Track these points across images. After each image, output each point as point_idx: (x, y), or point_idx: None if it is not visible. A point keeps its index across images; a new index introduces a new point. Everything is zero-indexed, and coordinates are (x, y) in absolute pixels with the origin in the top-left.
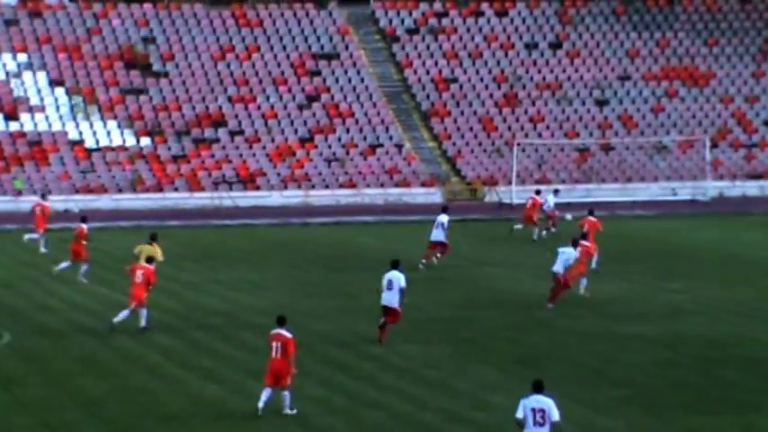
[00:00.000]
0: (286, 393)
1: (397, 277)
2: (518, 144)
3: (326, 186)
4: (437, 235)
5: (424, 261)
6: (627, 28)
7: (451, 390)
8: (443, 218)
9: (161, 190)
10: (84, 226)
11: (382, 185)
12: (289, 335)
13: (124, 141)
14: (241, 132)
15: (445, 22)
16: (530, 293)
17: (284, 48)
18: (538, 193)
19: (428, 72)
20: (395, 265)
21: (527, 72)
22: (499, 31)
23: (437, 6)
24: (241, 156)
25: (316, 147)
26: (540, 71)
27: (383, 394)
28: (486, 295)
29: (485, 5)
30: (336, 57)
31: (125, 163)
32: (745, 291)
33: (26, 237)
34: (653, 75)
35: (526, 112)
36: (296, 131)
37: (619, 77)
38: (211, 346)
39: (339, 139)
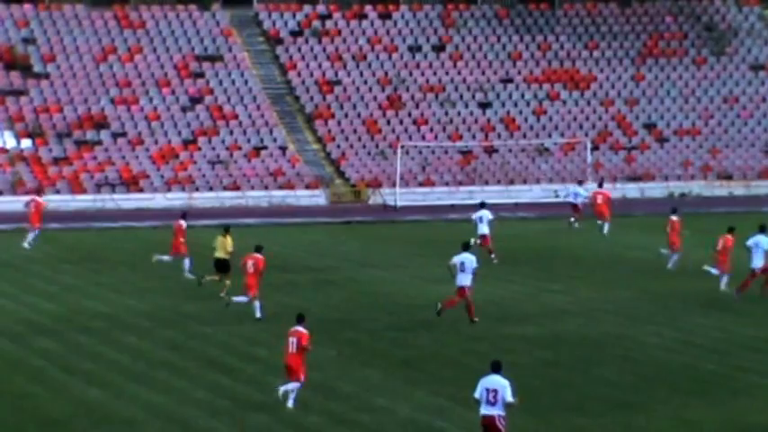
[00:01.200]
0: (296, 386)
1: (470, 259)
2: (402, 146)
3: (210, 189)
4: (482, 228)
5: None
6: (509, 31)
7: (336, 392)
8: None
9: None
10: (183, 222)
11: (266, 188)
12: (305, 331)
13: (4, 143)
14: (124, 134)
15: (329, 24)
16: (414, 295)
17: (167, 49)
18: (600, 185)
19: (312, 74)
20: (466, 248)
21: (411, 75)
22: (383, 33)
23: (321, 9)
24: (124, 158)
25: (199, 149)
26: (423, 74)
27: (267, 396)
28: (371, 297)
29: (368, 8)
30: (220, 59)
31: (5, 165)
32: (625, 292)
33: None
34: (535, 78)
35: (410, 114)
36: (179, 133)
37: (501, 80)
38: (93, 349)
39: (223, 142)
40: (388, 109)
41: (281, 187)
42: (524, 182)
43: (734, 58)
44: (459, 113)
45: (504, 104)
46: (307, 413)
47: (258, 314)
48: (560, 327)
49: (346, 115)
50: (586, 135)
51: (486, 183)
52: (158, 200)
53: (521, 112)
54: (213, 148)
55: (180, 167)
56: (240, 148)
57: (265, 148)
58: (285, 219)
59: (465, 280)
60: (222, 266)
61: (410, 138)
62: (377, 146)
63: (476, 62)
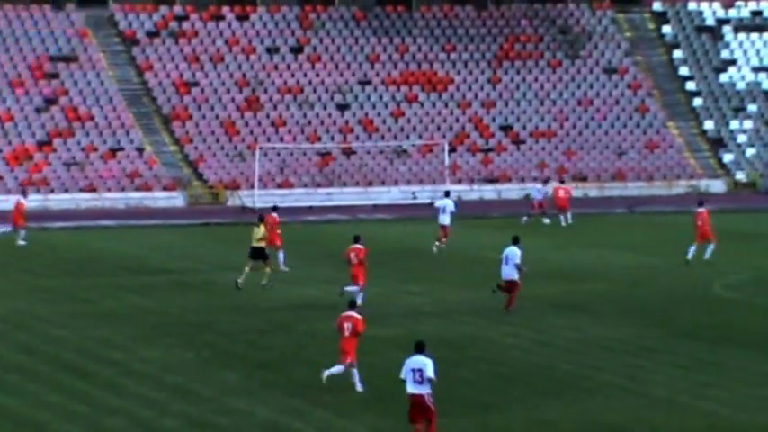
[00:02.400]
0: (354, 371)
1: (514, 252)
2: (260, 148)
3: (66, 191)
4: (443, 219)
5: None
6: (367, 33)
7: (193, 394)
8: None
9: None
10: (276, 215)
11: (123, 189)
12: (359, 316)
13: None
14: None
15: (186, 25)
16: (272, 297)
17: (21, 50)
18: (562, 182)
19: (169, 76)
20: (515, 241)
21: (268, 76)
22: (240, 34)
23: (177, 10)
24: None
25: (54, 150)
26: (281, 75)
27: (123, 400)
28: (228, 299)
29: (225, 9)
30: (75, 59)
31: None
32: (482, 293)
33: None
34: (393, 80)
35: (268, 116)
36: (34, 135)
37: (359, 82)
38: None
39: (78, 143)
40: (245, 110)
41: (138, 189)
42: (383, 183)
43: (588, 61)
44: (317, 115)
45: (362, 106)
46: (163, 416)
47: (359, 301)
48: (419, 327)
49: (204, 117)
50: (444, 137)
51: (345, 184)
52: (12, 202)
53: (379, 114)
54: (69, 150)
55: (35, 169)
56: (96, 150)
57: (122, 149)
58: (142, 221)
59: (510, 272)
60: (259, 254)
61: (268, 139)
62: (235, 147)
63: (334, 64)
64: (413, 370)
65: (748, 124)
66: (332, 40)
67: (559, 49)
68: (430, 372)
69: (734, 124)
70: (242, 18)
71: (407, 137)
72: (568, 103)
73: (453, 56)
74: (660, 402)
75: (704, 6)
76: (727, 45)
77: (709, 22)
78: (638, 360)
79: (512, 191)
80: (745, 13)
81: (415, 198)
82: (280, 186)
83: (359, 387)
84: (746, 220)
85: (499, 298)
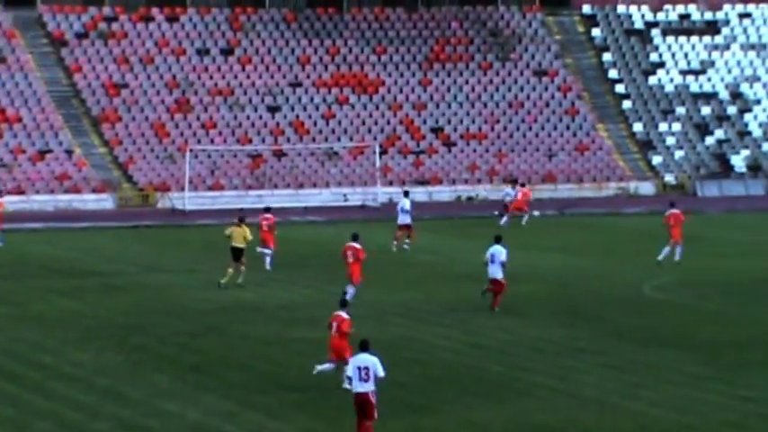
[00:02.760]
0: (332, 368)
1: (499, 251)
2: (191, 150)
3: None
4: (403, 218)
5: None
6: (297, 35)
7: (123, 397)
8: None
9: None
10: (270, 215)
11: (52, 192)
12: (347, 316)
13: None
14: None
15: (115, 26)
16: (203, 299)
17: None
18: (523, 185)
19: (98, 77)
20: (497, 240)
21: (199, 78)
22: (170, 36)
23: (107, 11)
24: None
25: None
26: (212, 77)
27: (53, 403)
28: (159, 302)
29: (155, 11)
30: (2, 61)
31: None
32: (414, 294)
33: None
34: (323, 82)
35: (198, 118)
36: None
37: (290, 84)
38: None
39: (7, 145)
40: (176, 112)
41: (67, 191)
42: (314, 186)
43: (518, 63)
44: (248, 117)
45: (293, 108)
46: (93, 419)
47: (348, 297)
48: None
49: (134, 118)
50: (375, 139)
51: (276, 186)
52: None
53: (310, 116)
54: None
55: None
56: (24, 152)
57: (51, 151)
58: (72, 223)
59: (495, 271)
60: (237, 255)
61: (199, 141)
62: (165, 149)
63: (264, 66)
64: (359, 368)
65: (677, 126)
66: (262, 42)
67: (490, 51)
68: (380, 371)
69: (662, 126)
70: (172, 19)
71: (338, 139)
72: (499, 105)
73: (384, 58)
74: (591, 403)
75: (633, 9)
76: (655, 48)
77: (638, 25)
78: (568, 361)
79: (443, 193)
80: (673, 16)
81: (346, 200)
82: (210, 188)
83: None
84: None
85: (484, 299)
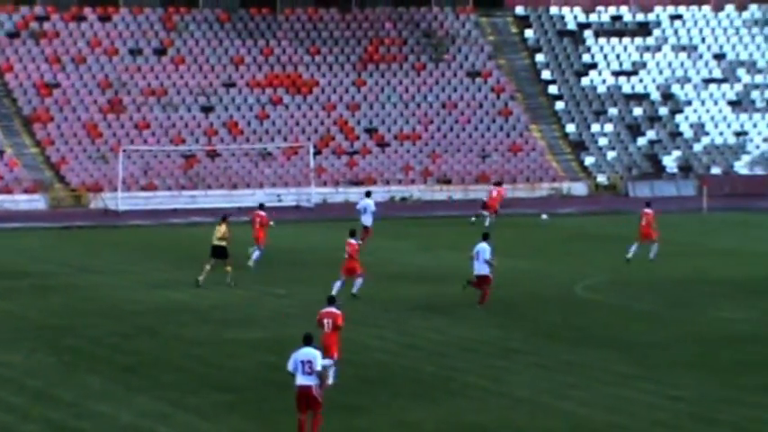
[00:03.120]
0: (331, 364)
1: (484, 249)
2: (123, 150)
3: None
4: (365, 219)
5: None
6: (231, 35)
7: (55, 399)
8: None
9: None
10: (264, 213)
11: None
12: (339, 312)
13: None
14: None
15: (47, 26)
16: (136, 300)
17: None
18: (498, 184)
19: (30, 77)
20: (485, 237)
21: (132, 78)
22: (103, 36)
23: (38, 10)
24: None
25: None
26: (144, 77)
27: None
28: (92, 303)
29: (87, 10)
30: None
31: None
32: (346, 294)
33: None
34: (257, 82)
35: (131, 118)
36: None
37: (224, 84)
38: None
39: None
40: (108, 112)
41: None
42: (248, 186)
43: (452, 64)
44: (181, 117)
45: (226, 109)
46: (24, 421)
47: (355, 290)
48: (285, 330)
49: (66, 118)
50: (309, 139)
51: (210, 187)
52: None
53: (244, 117)
54: None
55: None
56: None
57: None
58: (3, 224)
59: (480, 268)
60: (220, 253)
61: (132, 142)
62: (97, 149)
63: (198, 66)
64: (302, 362)
65: (609, 127)
66: (196, 42)
67: (423, 52)
68: (319, 364)
69: (595, 127)
70: (104, 19)
71: (272, 139)
72: (433, 106)
73: (318, 58)
74: (523, 403)
75: (566, 11)
76: (588, 49)
77: (571, 26)
78: (501, 361)
79: (377, 193)
80: (605, 17)
81: (280, 201)
82: (143, 189)
83: (330, 380)
84: (607, 223)
85: (469, 296)
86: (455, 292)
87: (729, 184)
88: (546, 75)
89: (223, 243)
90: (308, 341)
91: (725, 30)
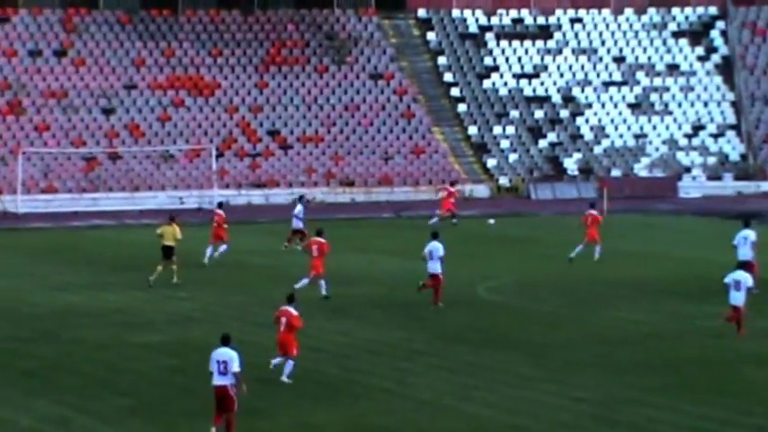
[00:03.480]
0: (290, 362)
1: (437, 247)
2: (23, 153)
3: None
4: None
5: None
6: (132, 37)
7: None
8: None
9: None
10: (222, 212)
11: None
12: (295, 312)
13: None
14: None
15: None
16: (37, 304)
17: None
18: (452, 184)
19: None
20: (434, 236)
21: (31, 80)
22: (1, 37)
23: None
24: None
25: None
26: (44, 79)
27: None
28: None
29: None
30: None
31: None
32: (249, 297)
33: None
34: (159, 84)
35: (31, 120)
36: None
37: (125, 86)
38: None
39: None
40: (8, 114)
41: None
42: (149, 188)
43: (354, 66)
44: (82, 120)
45: (128, 111)
46: None
47: (324, 291)
48: (185, 334)
49: None
50: (211, 142)
51: (111, 189)
52: None
53: (145, 119)
54: None
55: None
56: None
57: None
58: None
59: (434, 267)
60: (168, 253)
61: (32, 144)
62: None
63: (98, 68)
64: (218, 362)
65: (511, 130)
66: (96, 44)
67: (326, 54)
68: (236, 366)
69: (497, 130)
70: (3, 20)
71: (174, 141)
72: (335, 108)
73: (220, 60)
74: (426, 405)
75: (467, 14)
76: (489, 52)
77: (473, 29)
78: (404, 363)
79: (279, 195)
80: (506, 20)
81: (182, 203)
82: (44, 191)
83: (285, 378)
84: (509, 225)
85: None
86: (358, 293)
87: (629, 186)
88: (448, 77)
89: (172, 243)
90: (225, 341)
91: (624, 33)
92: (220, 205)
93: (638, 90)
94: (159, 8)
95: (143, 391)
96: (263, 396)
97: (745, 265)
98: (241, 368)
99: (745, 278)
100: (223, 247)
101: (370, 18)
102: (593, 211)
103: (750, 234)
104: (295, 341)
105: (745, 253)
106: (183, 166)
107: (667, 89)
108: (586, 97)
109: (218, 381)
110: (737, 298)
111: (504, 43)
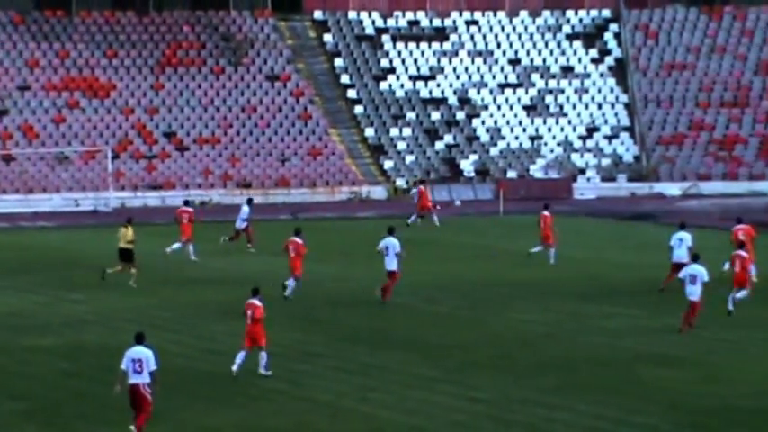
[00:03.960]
0: (263, 354)
1: (393, 243)
2: None
3: None
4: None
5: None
6: (26, 38)
7: None
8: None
9: None
10: (189, 208)
11: None
12: (260, 304)
13: None
14: None
15: None
16: None
17: None
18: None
19: None
20: (391, 232)
21: None
22: None
23: None
24: None
25: None
26: None
27: None
28: None
29: None
30: None
31: None
32: (146, 300)
33: None
34: (53, 85)
35: None
36: None
37: (19, 88)
38: None
39: None
40: None
41: None
42: (44, 191)
43: (250, 68)
44: None
45: (21, 112)
46: None
47: (288, 292)
48: (81, 337)
49: None
50: (107, 143)
51: (5, 192)
52: None
53: (39, 121)
54: None
55: None
56: None
57: None
58: None
59: (390, 263)
60: (126, 256)
61: None
62: None
63: None
64: (133, 360)
65: (407, 131)
66: None
67: (222, 55)
68: (152, 364)
69: (394, 131)
70: None
71: (69, 143)
72: (232, 109)
73: (115, 61)
74: (323, 407)
75: (364, 15)
76: (386, 54)
77: (369, 31)
78: (301, 365)
79: (176, 197)
80: (403, 22)
81: (77, 205)
82: None
83: (262, 371)
84: (406, 226)
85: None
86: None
87: (525, 188)
88: (345, 79)
89: (130, 246)
90: (139, 340)
91: (519, 35)
92: (186, 203)
93: (533, 92)
94: (53, 9)
95: (38, 395)
96: (159, 398)
97: (680, 267)
98: (157, 366)
99: (701, 272)
100: (177, 245)
101: (266, 19)
102: (547, 213)
103: (686, 237)
104: (263, 332)
105: (681, 255)
106: (79, 168)
107: (562, 91)
108: (482, 99)
109: (133, 379)
110: (694, 292)
111: (400, 45)
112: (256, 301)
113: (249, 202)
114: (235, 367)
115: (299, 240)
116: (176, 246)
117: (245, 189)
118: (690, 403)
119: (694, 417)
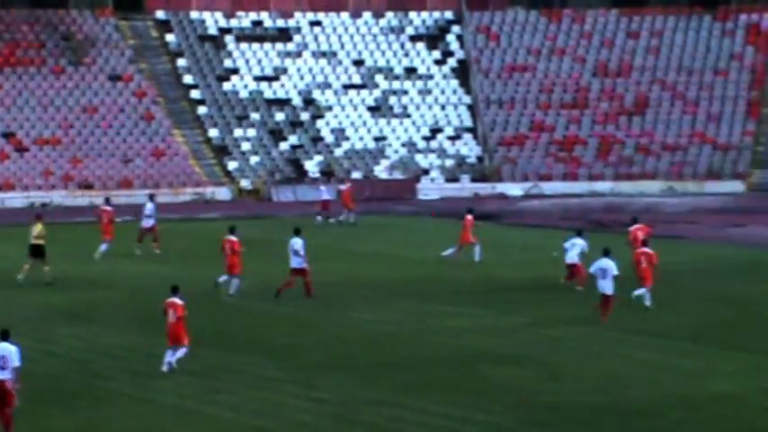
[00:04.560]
0: (183, 350)
1: (299, 243)
2: None
3: None
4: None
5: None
6: None
7: None
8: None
9: None
10: (110, 208)
11: None
12: (180, 302)
13: None
14: None
15: None
16: None
17: None
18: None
19: None
20: (297, 233)
21: None
22: None
23: None
24: None
25: None
26: None
27: None
28: None
29: None
30: None
31: None
32: None
33: None
34: None
35: None
36: None
37: None
38: None
39: None
40: None
41: None
42: None
43: (92, 68)
44: None
45: None
46: None
47: (232, 291)
48: None
49: None
50: None
51: None
52: None
53: None
54: None
55: None
56: None
57: None
58: None
59: (298, 262)
60: (37, 252)
61: None
62: None
63: None
64: None
65: (252, 132)
66: None
67: (62, 55)
68: (16, 360)
69: (238, 132)
70: None
71: None
72: (73, 110)
73: None
74: (169, 409)
75: (206, 15)
76: (229, 54)
77: (212, 31)
78: (146, 368)
79: (16, 199)
80: (246, 23)
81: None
82: None
83: (165, 367)
84: (252, 227)
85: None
86: (97, 297)
87: (369, 189)
88: (188, 79)
89: (40, 242)
90: (3, 336)
91: (363, 36)
92: (107, 201)
93: (377, 93)
94: None
95: None
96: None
97: (572, 268)
98: (20, 363)
99: (611, 266)
100: (103, 247)
101: (107, 19)
102: (470, 216)
103: (580, 242)
104: (185, 331)
105: (572, 257)
106: None
107: (406, 92)
108: (326, 100)
109: None
110: (606, 286)
111: (243, 45)
112: (177, 300)
113: (152, 197)
114: (164, 367)
115: (234, 238)
116: (103, 248)
117: (87, 190)
118: (533, 401)
119: (537, 414)
